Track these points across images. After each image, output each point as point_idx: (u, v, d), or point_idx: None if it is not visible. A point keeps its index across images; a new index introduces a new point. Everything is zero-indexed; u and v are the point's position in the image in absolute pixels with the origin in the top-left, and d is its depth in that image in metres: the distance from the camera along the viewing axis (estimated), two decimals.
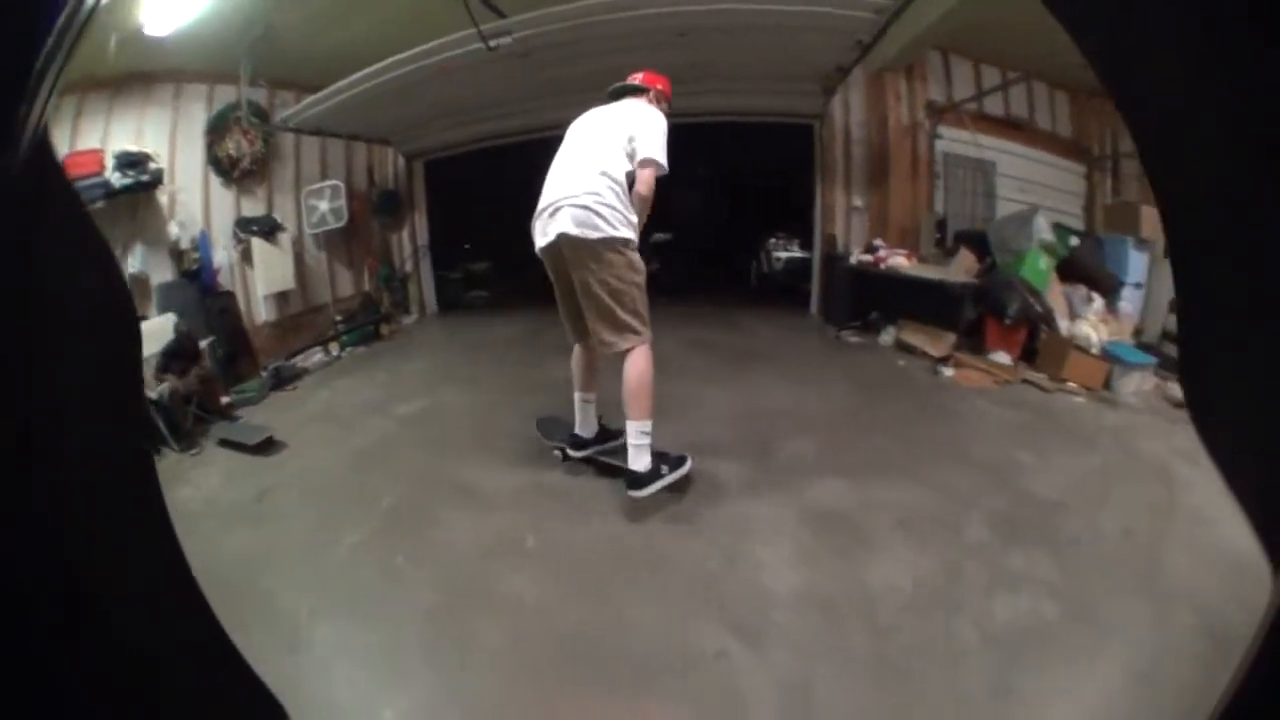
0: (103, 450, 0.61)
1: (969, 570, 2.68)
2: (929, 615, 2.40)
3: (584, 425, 3.75)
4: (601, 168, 3.18)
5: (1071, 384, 6.04)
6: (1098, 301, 6.94)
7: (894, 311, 6.59)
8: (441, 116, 8.35)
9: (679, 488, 3.39)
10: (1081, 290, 6.91)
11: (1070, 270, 7.01)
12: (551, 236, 3.22)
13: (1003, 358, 6.27)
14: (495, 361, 6.74)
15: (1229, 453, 0.55)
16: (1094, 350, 6.37)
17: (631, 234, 3.21)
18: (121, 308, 0.64)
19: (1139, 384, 6.36)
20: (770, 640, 2.30)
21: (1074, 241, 7.53)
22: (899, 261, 6.89)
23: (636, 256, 3.27)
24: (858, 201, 8.10)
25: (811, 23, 6.00)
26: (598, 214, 3.11)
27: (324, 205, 7.83)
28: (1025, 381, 5.93)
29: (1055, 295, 6.66)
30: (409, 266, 9.51)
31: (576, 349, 3.66)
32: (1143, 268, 8.32)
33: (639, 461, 3.23)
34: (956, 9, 6.05)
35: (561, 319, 3.63)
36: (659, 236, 9.46)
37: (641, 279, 3.29)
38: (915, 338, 6.25)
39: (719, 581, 2.67)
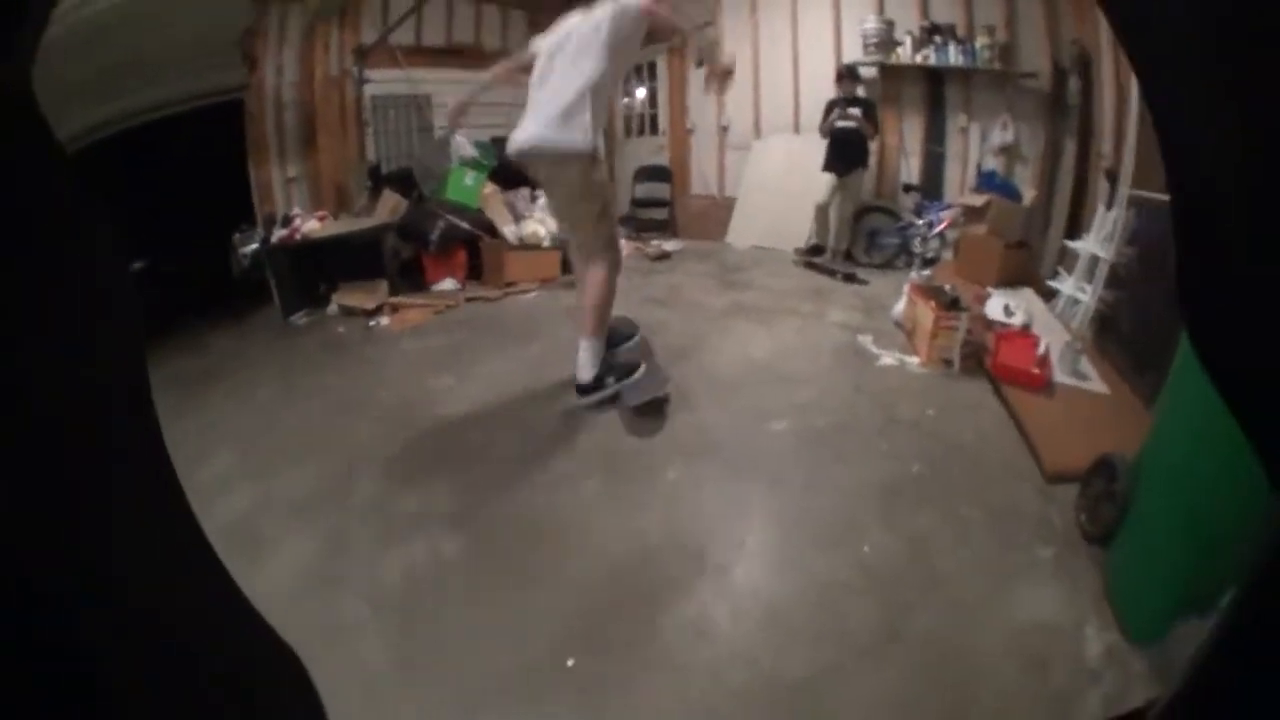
0: (103, 435, 0.56)
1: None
2: None
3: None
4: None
5: (523, 283, 6.08)
6: (543, 199, 7.00)
7: (335, 278, 6.14)
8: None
9: None
10: (524, 192, 6.90)
11: (510, 178, 6.94)
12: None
13: (449, 284, 6.08)
14: None
15: (1229, 375, 0.53)
16: (545, 243, 6.43)
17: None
18: (118, 291, 0.57)
19: None
20: None
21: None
22: (312, 226, 6.37)
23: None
24: (292, 171, 7.37)
25: None
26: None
27: None
28: (471, 300, 5.80)
29: (495, 205, 6.57)
30: None
31: None
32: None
33: (586, 369, 3.35)
34: None
35: None
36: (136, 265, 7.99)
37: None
38: (353, 298, 5.80)
39: None
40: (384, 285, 5.94)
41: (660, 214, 8.56)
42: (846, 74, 6.34)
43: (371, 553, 2.43)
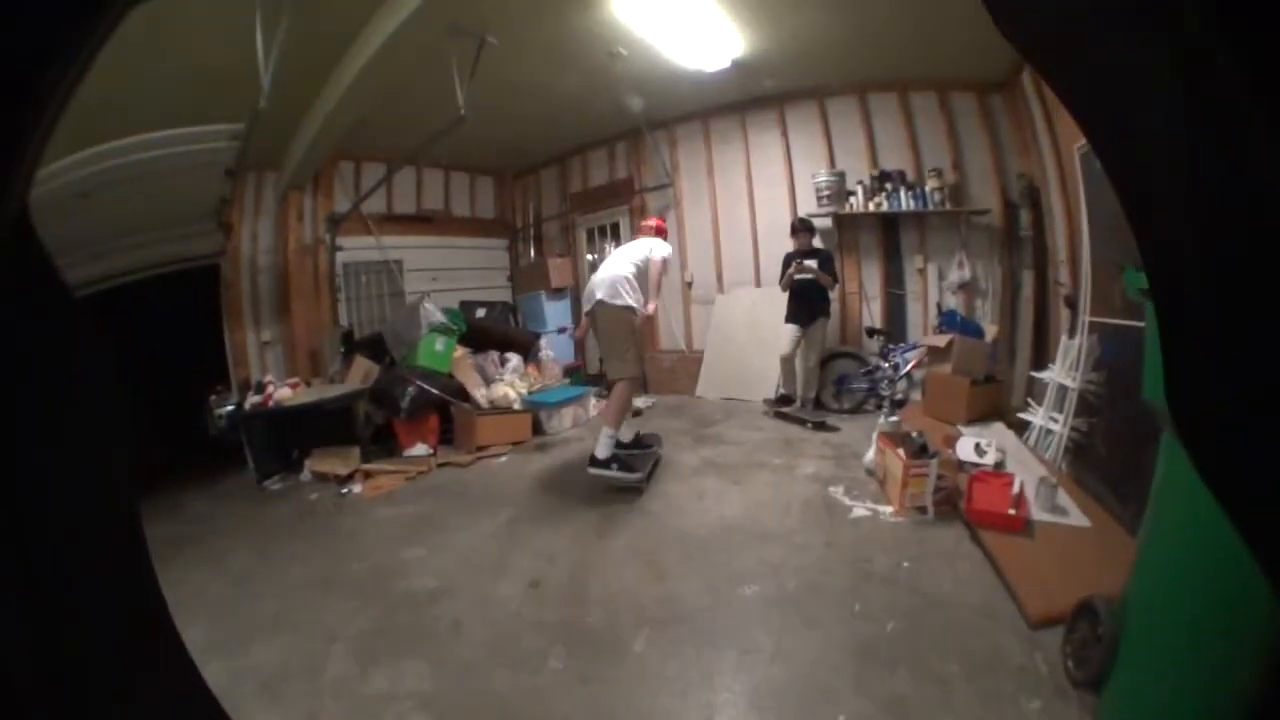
0: (93, 556, 0.59)
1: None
2: None
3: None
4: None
5: (492, 448, 6.05)
6: (514, 360, 7.11)
7: (308, 444, 6.16)
8: None
9: None
10: (493, 355, 6.98)
11: (482, 340, 7.07)
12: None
13: (422, 449, 6.02)
14: None
15: (1221, 474, 0.53)
16: (516, 405, 6.46)
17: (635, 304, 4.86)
18: (112, 408, 0.60)
19: (575, 415, 6.82)
20: None
21: (480, 313, 7.71)
22: (285, 393, 6.37)
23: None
24: (267, 335, 7.51)
25: (178, 164, 5.73)
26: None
27: None
28: (443, 465, 5.74)
29: (465, 369, 6.61)
30: None
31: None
32: (564, 311, 8.92)
33: (602, 450, 4.61)
34: (334, 112, 5.91)
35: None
36: None
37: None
38: (326, 464, 5.77)
39: None
40: (356, 452, 5.90)
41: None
42: (800, 226, 6.61)
43: None
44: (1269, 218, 0.48)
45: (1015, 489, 3.52)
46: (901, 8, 5.21)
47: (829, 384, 6.67)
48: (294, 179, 7.32)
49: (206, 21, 4.57)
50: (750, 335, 7.61)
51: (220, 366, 7.74)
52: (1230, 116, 0.48)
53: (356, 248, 8.07)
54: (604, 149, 9.08)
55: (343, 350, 7.34)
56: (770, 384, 7.02)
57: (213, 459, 6.95)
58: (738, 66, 6.45)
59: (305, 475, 5.89)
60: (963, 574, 3.06)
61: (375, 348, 6.96)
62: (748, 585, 3.11)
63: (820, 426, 5.89)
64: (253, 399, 6.43)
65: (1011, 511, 3.38)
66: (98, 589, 0.61)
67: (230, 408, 7.25)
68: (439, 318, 6.78)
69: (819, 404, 6.55)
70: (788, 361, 6.52)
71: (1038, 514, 3.42)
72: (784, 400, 6.62)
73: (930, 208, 6.62)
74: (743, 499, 4.32)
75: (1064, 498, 3.54)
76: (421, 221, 8.81)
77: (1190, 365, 0.56)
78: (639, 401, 7.52)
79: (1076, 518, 3.38)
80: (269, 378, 6.73)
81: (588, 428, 6.58)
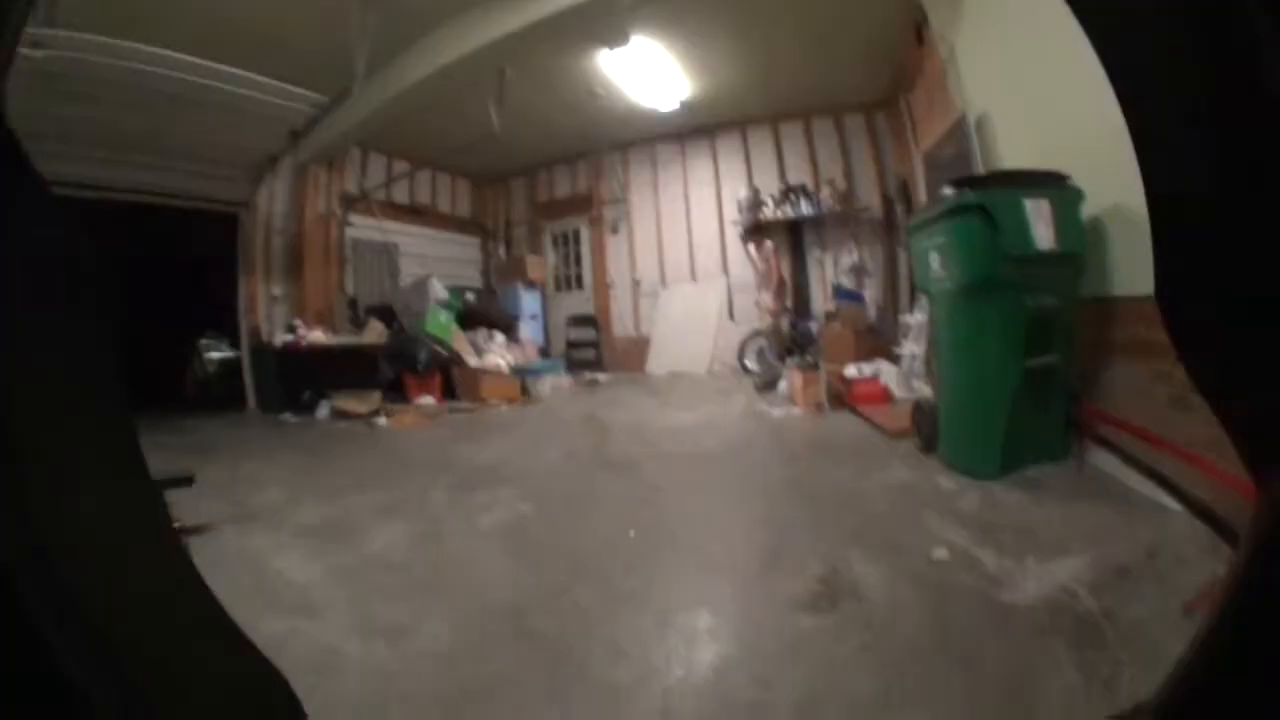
0: (83, 427, 0.60)
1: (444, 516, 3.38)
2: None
3: None
4: None
5: (493, 400, 7.37)
6: (499, 337, 8.57)
7: (323, 386, 7.12)
8: None
9: None
10: (483, 331, 8.45)
11: (471, 320, 8.50)
12: None
13: (428, 400, 7.30)
14: None
15: (1216, 388, 0.57)
16: (507, 373, 7.91)
17: None
18: (80, 278, 0.59)
19: (553, 384, 8.29)
20: None
21: (469, 296, 9.23)
22: (318, 336, 7.56)
23: None
24: (276, 291, 8.35)
25: (256, 109, 6.41)
26: None
27: None
28: (453, 411, 6.98)
29: (460, 342, 8.00)
30: None
31: None
32: (536, 302, 10.53)
33: None
34: (369, 119, 7.18)
35: None
36: None
37: None
38: (347, 404, 6.80)
39: None
40: (377, 394, 7.08)
41: (590, 353, 10.39)
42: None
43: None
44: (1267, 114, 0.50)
45: (881, 383, 5.38)
46: (805, 54, 7.22)
47: (751, 353, 8.52)
48: (319, 155, 8.33)
49: None
50: (687, 321, 9.43)
51: (214, 315, 8.74)
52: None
53: (362, 227, 9.30)
54: (568, 166, 10.92)
55: (350, 314, 8.52)
56: (705, 360, 8.90)
57: (200, 401, 8.03)
58: (684, 106, 8.40)
59: (322, 413, 6.90)
60: (849, 428, 4.86)
61: (384, 314, 8.16)
62: (708, 443, 4.77)
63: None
64: (284, 338, 7.56)
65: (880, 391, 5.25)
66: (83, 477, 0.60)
67: (223, 354, 8.55)
68: (442, 294, 8.22)
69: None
70: None
71: (899, 394, 5.28)
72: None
73: (825, 210, 8.67)
74: (697, 415, 5.93)
75: (918, 383, 5.36)
76: (414, 212, 10.25)
77: (1181, 269, 0.58)
78: (600, 376, 9.18)
79: (921, 391, 5.16)
80: (298, 321, 7.88)
81: (565, 393, 8.14)
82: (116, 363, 0.61)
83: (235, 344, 8.56)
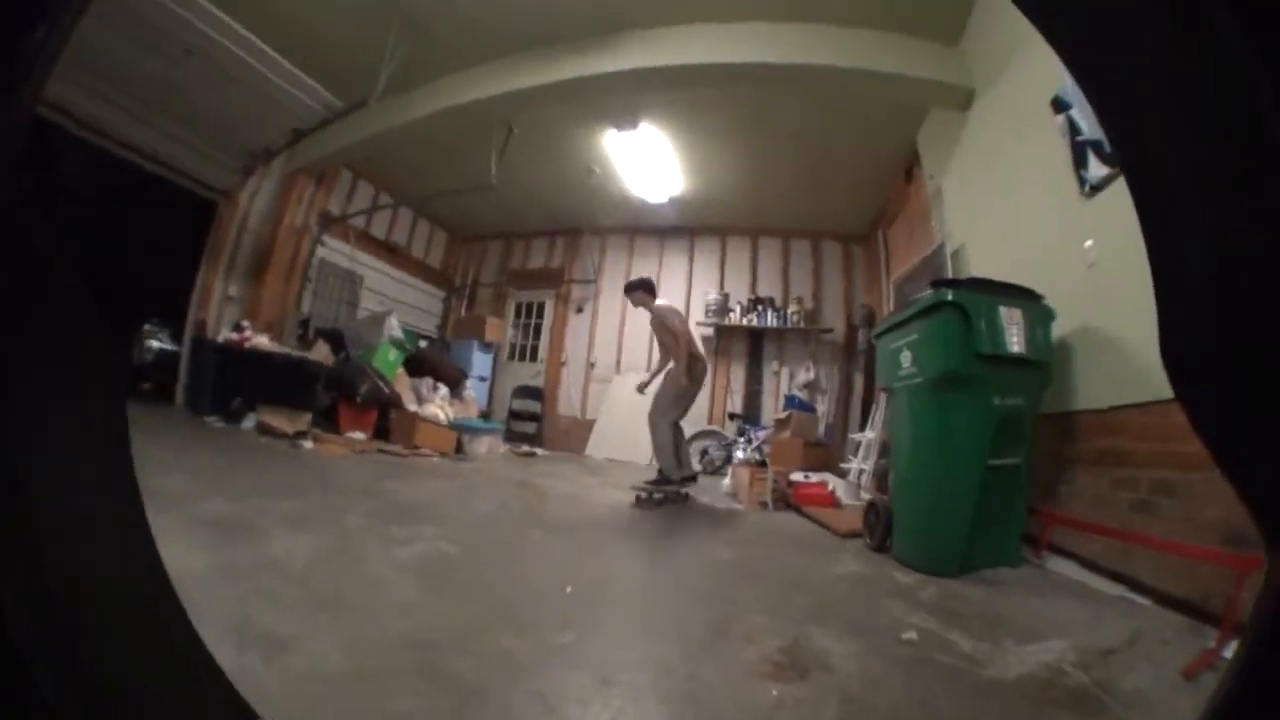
0: (81, 454, 0.59)
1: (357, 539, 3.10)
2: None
3: None
4: None
5: (426, 449, 7.05)
6: (443, 390, 8.33)
7: (256, 396, 6.75)
8: None
9: None
10: (429, 381, 8.20)
11: (418, 367, 8.27)
12: None
13: (359, 435, 6.97)
14: None
15: (1218, 433, 0.56)
16: (443, 423, 7.60)
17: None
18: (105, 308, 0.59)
19: (490, 446, 7.95)
20: None
21: (422, 343, 9.00)
22: (262, 340, 7.19)
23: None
24: (233, 291, 8.03)
25: (270, 90, 6.15)
26: None
27: None
28: (381, 451, 6.64)
29: (403, 385, 7.75)
30: None
31: None
32: (487, 364, 10.32)
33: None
34: (371, 139, 7.18)
35: None
36: None
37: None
38: (275, 419, 6.42)
39: None
40: (308, 416, 6.67)
41: (531, 427, 10.20)
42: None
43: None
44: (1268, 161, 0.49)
45: (830, 487, 5.29)
46: (798, 178, 7.59)
47: (696, 453, 8.36)
48: (312, 166, 8.19)
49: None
50: (635, 410, 9.25)
51: (161, 302, 8.21)
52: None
53: (334, 249, 9.13)
54: (546, 239, 11.01)
55: (300, 333, 8.22)
56: (646, 451, 8.64)
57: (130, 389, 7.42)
58: (673, 202, 8.60)
59: (248, 424, 6.51)
60: (795, 526, 4.76)
61: (333, 339, 7.88)
62: (647, 524, 4.58)
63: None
64: (227, 334, 7.18)
65: (827, 494, 5.18)
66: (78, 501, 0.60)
67: (162, 345, 8.10)
68: (398, 333, 8.00)
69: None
70: None
71: (845, 500, 5.20)
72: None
73: (789, 325, 8.92)
74: (630, 496, 5.60)
75: (861, 492, 5.35)
76: (387, 249, 10.12)
77: (1184, 322, 0.56)
78: (538, 450, 8.95)
79: (866, 498, 5.08)
80: (246, 322, 7.50)
81: (500, 458, 7.83)
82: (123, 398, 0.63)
83: (176, 338, 8.12)
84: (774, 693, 1.73)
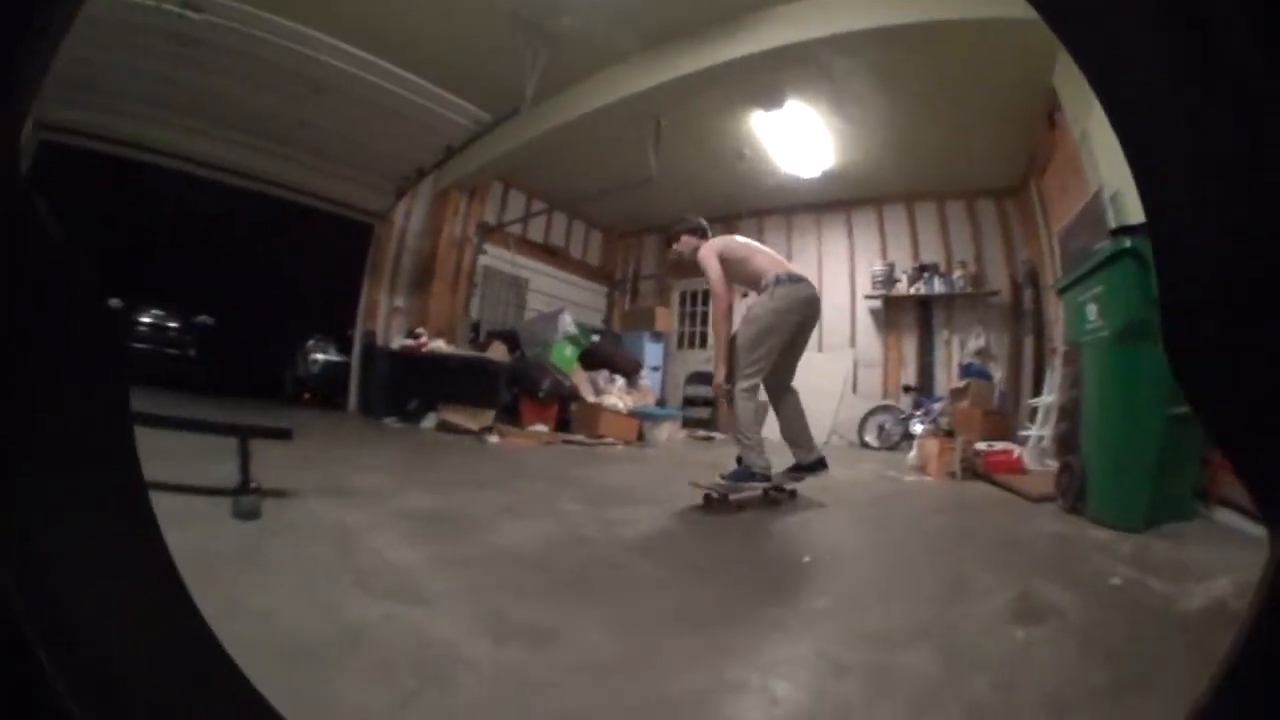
0: (85, 468, 0.59)
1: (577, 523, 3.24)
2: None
3: None
4: None
5: (609, 438, 7.37)
6: (620, 381, 8.72)
7: (433, 398, 7.11)
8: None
9: None
10: (604, 373, 8.66)
11: (593, 360, 8.76)
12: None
13: (542, 428, 7.34)
14: None
15: (1222, 423, 0.57)
16: (624, 412, 7.94)
17: None
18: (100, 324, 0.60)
19: (669, 432, 8.27)
20: None
21: (595, 337, 9.42)
22: (439, 345, 7.83)
23: None
24: (399, 303, 8.75)
25: (416, 114, 6.41)
26: None
27: None
28: (566, 442, 6.98)
29: (580, 378, 8.20)
30: None
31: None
32: (659, 354, 10.61)
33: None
34: (522, 149, 7.67)
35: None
36: (203, 319, 8.75)
37: None
38: (457, 417, 6.77)
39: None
40: (491, 413, 7.14)
41: (705, 412, 10.33)
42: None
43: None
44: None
45: (1016, 454, 5.18)
46: (942, 134, 7.40)
47: (871, 428, 8.46)
48: (462, 180, 8.78)
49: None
50: (810, 391, 9.21)
51: (324, 318, 9.05)
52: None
53: (495, 257, 9.82)
54: None
55: (472, 336, 8.88)
56: (823, 429, 8.75)
57: (296, 398, 8.24)
58: (825, 175, 8.63)
59: (427, 423, 6.95)
60: (986, 494, 4.80)
61: (508, 340, 8.47)
62: (854, 495, 4.74)
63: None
64: (404, 341, 7.83)
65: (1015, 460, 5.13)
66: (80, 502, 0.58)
67: (328, 357, 8.72)
68: (572, 330, 8.50)
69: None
70: None
71: (1031, 465, 5.12)
72: None
73: (956, 290, 8.71)
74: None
75: (1047, 460, 5.28)
76: (547, 252, 10.78)
77: (1187, 311, 0.57)
78: (715, 434, 9.22)
79: (1052, 465, 5.00)
80: (421, 329, 8.18)
81: (680, 443, 8.18)
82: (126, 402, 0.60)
83: (343, 349, 8.90)
84: (1020, 635, 1.93)
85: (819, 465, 4.09)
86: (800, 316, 4.05)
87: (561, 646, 1.67)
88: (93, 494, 0.58)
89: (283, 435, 3.18)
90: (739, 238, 4.53)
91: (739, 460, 3.87)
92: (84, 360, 0.58)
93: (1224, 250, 0.54)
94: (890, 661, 1.69)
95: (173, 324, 8.58)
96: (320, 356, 9.12)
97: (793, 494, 4.10)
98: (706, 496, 3.67)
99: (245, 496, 2.70)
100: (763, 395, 4.10)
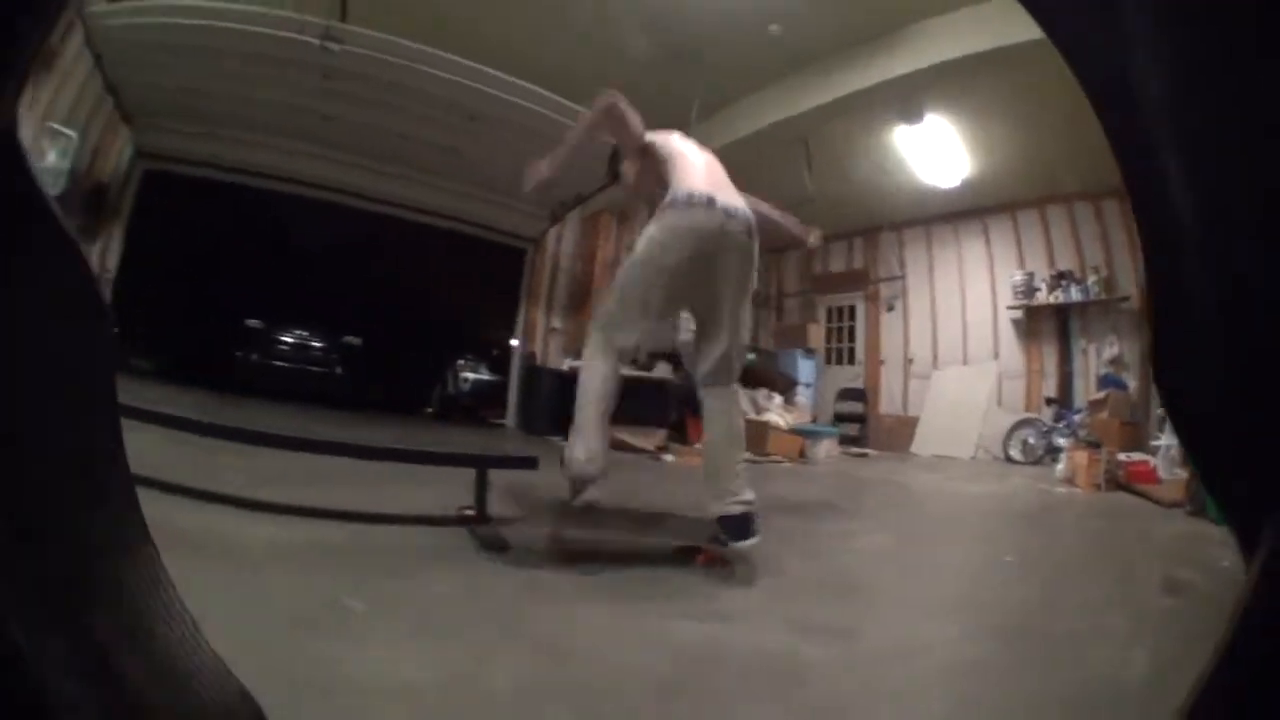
0: (70, 445, 0.58)
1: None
2: None
3: None
4: None
5: (776, 456, 8.01)
6: (777, 399, 9.62)
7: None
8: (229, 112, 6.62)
9: None
10: (764, 391, 9.55)
11: (753, 378, 9.39)
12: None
13: None
14: None
15: (1202, 446, 0.57)
16: (785, 430, 8.72)
17: None
18: (89, 304, 0.57)
19: (827, 448, 8.94)
20: None
21: (751, 356, 10.15)
22: None
23: None
24: (556, 323, 9.22)
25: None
26: None
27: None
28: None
29: (741, 396, 8.92)
30: None
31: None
32: (811, 370, 11.35)
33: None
34: None
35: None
36: (350, 339, 9.30)
37: None
38: (630, 436, 6.83)
39: None
40: (663, 432, 7.58)
41: (855, 428, 10.89)
42: None
43: None
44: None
45: (1150, 464, 6.15)
46: (1068, 134, 7.29)
47: (1016, 442, 8.84)
48: (609, 205, 8.95)
49: None
50: (956, 404, 9.98)
51: (473, 340, 9.78)
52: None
53: None
54: (844, 241, 11.75)
55: (633, 357, 9.27)
56: (968, 444, 9.41)
57: (445, 415, 8.89)
58: (964, 184, 9.15)
59: None
60: (1126, 503, 5.79)
61: (671, 360, 8.75)
62: (1017, 505, 5.85)
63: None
64: (574, 363, 8.01)
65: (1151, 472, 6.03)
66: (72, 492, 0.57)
67: (477, 376, 9.36)
68: None
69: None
70: None
71: (1162, 475, 6.01)
72: None
73: (1091, 298, 8.90)
74: (984, 488, 6.74)
75: (1178, 469, 5.93)
76: None
77: (1180, 351, 0.56)
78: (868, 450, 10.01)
79: (1181, 474, 5.75)
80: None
81: (838, 459, 8.80)
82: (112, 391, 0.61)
83: (495, 369, 9.67)
84: (1168, 602, 2.74)
85: (740, 526, 2.63)
86: (687, 253, 2.72)
87: (861, 642, 2.20)
88: (89, 494, 0.59)
89: (528, 464, 3.08)
90: (691, 141, 3.23)
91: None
92: (81, 360, 0.58)
93: (1214, 252, 0.53)
94: (1098, 624, 2.47)
95: (318, 343, 9.16)
96: (471, 376, 9.71)
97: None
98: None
99: (483, 527, 2.67)
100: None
